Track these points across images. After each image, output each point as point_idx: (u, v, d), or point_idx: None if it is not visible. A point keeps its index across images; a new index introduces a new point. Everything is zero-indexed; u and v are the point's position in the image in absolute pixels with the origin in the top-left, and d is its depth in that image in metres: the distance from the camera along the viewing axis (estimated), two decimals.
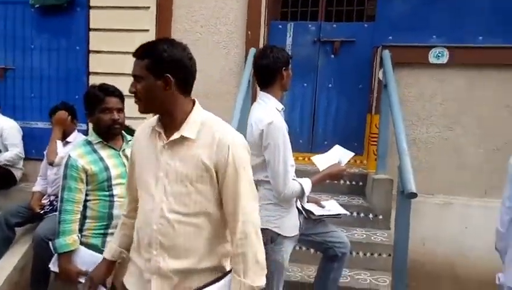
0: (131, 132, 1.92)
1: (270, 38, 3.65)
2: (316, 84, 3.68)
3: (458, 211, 3.29)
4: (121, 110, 1.97)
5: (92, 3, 3.70)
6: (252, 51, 3.30)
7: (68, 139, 3.02)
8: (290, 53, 2.30)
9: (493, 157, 3.26)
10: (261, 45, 3.50)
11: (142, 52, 1.28)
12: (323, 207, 2.26)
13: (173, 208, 1.29)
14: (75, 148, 1.97)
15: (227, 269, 1.38)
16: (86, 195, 1.91)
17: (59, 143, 2.93)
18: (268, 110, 1.93)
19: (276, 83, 1.99)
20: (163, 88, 1.26)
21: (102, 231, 1.92)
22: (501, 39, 3.24)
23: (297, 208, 2.07)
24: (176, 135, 1.29)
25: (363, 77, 3.54)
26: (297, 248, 2.61)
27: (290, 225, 2.01)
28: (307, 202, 2.15)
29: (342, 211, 2.34)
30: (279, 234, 1.97)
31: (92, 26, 3.72)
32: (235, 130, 1.36)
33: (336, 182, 3.15)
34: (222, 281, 1.33)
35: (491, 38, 3.27)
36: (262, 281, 1.31)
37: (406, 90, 3.34)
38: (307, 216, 2.14)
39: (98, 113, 1.93)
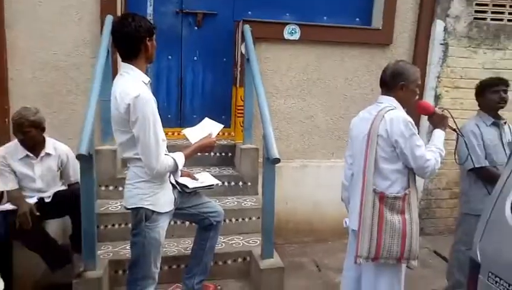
0: None
1: (129, 6, 3.38)
2: (181, 56, 3.59)
3: (312, 172, 3.72)
4: None
5: None
6: (109, 18, 3.01)
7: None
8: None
9: (338, 123, 3.76)
10: (119, 13, 3.23)
11: None
12: (196, 180, 2.30)
13: None
14: None
15: None
16: None
17: None
18: (133, 82, 1.81)
19: (141, 54, 1.87)
20: None
21: None
22: (341, 19, 3.69)
23: (171, 182, 2.05)
24: None
25: (226, 50, 3.60)
26: (172, 222, 2.61)
27: (164, 200, 1.98)
28: (180, 176, 2.15)
29: (215, 181, 2.41)
30: (154, 211, 1.93)
31: None
32: None
33: (206, 154, 3.21)
34: None
35: (334, 18, 3.69)
36: None
37: (265, 64, 3.52)
38: (181, 190, 2.14)
39: None
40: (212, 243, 2.39)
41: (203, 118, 2.39)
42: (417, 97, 2.02)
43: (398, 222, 1.83)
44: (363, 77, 3.76)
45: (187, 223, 2.88)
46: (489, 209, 1.57)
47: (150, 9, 3.47)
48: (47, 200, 2.70)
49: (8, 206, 2.53)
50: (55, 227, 2.81)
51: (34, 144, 2.66)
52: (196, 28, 3.58)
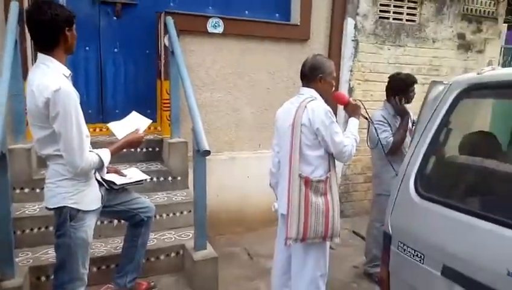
0: None
1: None
2: (99, 47, 3.41)
3: (241, 163, 3.81)
4: None
5: None
6: (14, 4, 2.75)
7: None
8: None
9: (263, 115, 3.89)
10: (25, 1, 2.96)
11: None
12: (124, 176, 2.24)
13: None
14: None
15: None
16: None
17: None
18: (53, 75, 1.71)
19: (59, 45, 1.76)
20: None
21: None
22: (262, 14, 3.81)
23: (97, 180, 1.98)
24: None
25: (149, 42, 3.50)
26: (99, 222, 2.51)
27: (90, 198, 1.91)
28: (107, 172, 2.08)
29: (144, 176, 2.37)
30: (79, 210, 1.85)
31: None
32: None
33: (132, 150, 3.12)
34: None
35: (255, 13, 3.79)
36: None
37: (190, 57, 3.49)
38: (108, 187, 2.07)
39: None
40: (144, 239, 2.36)
41: (126, 113, 2.33)
42: (334, 88, 2.20)
43: (322, 203, 1.99)
44: (284, 71, 3.92)
45: (115, 222, 2.79)
46: (397, 188, 1.79)
47: None
48: None
49: None
50: None
51: None
52: (115, 18, 3.43)
